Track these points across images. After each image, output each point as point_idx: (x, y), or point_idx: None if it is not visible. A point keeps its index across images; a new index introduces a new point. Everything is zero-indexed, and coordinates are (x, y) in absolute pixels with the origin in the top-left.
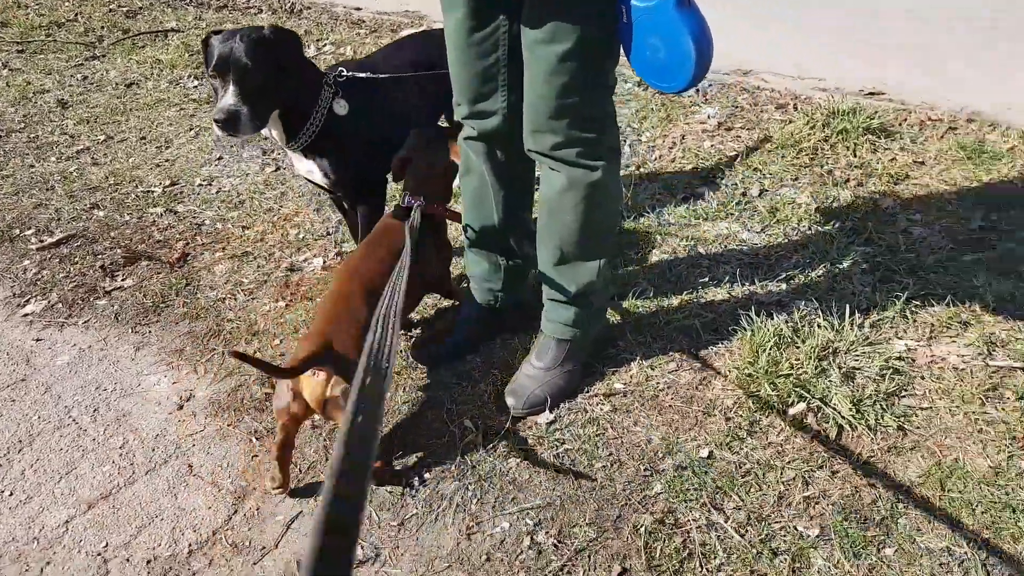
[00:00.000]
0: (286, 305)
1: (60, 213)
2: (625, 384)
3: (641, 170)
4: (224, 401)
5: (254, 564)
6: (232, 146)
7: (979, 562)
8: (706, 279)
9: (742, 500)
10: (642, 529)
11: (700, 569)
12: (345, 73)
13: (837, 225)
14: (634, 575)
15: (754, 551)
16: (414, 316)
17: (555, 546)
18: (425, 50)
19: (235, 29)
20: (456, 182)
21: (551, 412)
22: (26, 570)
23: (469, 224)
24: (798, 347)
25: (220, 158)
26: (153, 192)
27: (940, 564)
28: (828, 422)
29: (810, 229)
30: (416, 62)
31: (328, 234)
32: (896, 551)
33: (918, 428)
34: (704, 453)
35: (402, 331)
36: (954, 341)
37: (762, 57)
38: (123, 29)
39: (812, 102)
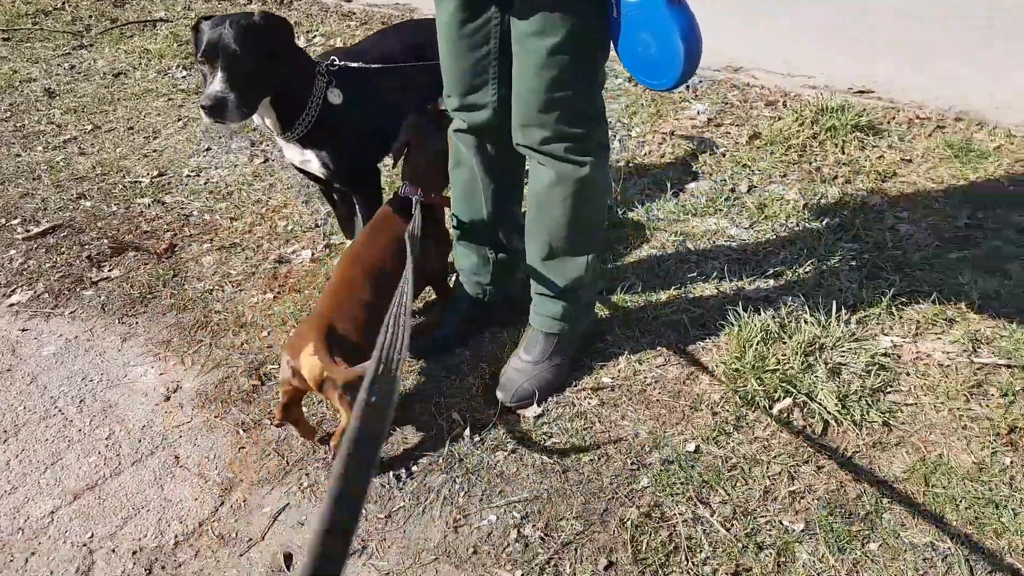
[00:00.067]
0: (274, 297)
1: (47, 203)
2: (613, 378)
3: (630, 165)
4: (211, 393)
5: (240, 556)
6: (220, 137)
7: (962, 557)
8: (694, 274)
9: (728, 494)
10: (628, 522)
11: (686, 562)
12: (338, 62)
13: (825, 222)
14: (620, 568)
15: (740, 545)
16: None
17: (542, 539)
18: (412, 38)
19: (226, 15)
20: None
21: (539, 405)
22: (11, 560)
23: (459, 216)
24: (785, 343)
25: (208, 149)
26: (141, 182)
27: (924, 559)
28: (814, 417)
29: (798, 225)
30: (404, 50)
31: (317, 226)
32: (880, 546)
33: (903, 424)
34: (691, 447)
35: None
36: (939, 338)
37: (752, 54)
38: (111, 18)
39: (801, 99)
